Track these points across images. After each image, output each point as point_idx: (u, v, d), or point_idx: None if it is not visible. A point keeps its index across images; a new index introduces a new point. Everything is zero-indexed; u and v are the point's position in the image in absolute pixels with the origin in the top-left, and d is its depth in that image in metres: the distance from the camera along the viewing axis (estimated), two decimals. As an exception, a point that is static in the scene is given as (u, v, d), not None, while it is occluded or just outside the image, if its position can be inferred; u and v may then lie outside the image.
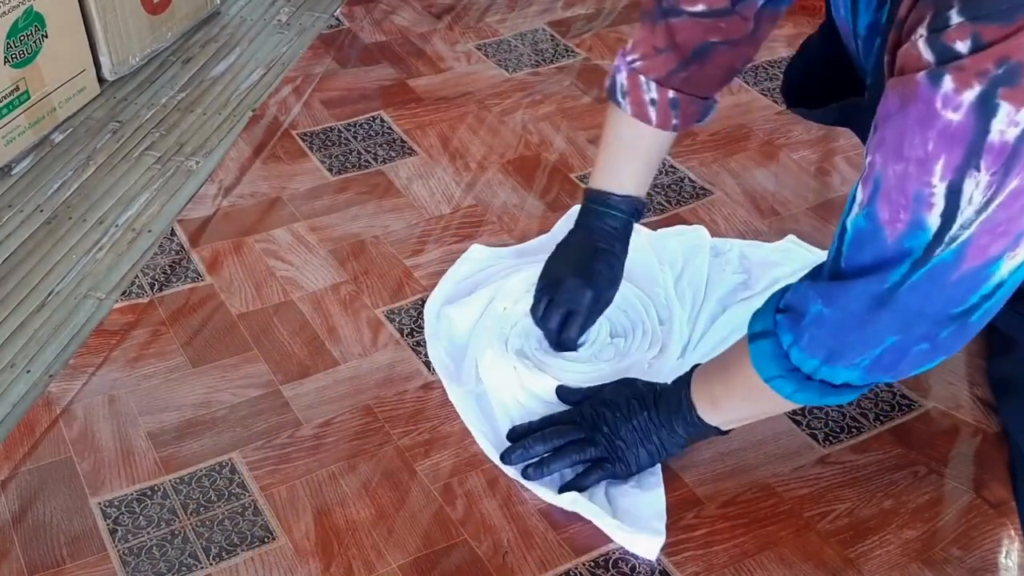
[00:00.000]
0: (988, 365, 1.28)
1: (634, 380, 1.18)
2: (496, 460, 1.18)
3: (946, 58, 0.72)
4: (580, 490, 1.13)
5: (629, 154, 1.27)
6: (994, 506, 1.16)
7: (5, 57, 1.64)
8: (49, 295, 1.45)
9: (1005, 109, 0.71)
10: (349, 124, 1.78)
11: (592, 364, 1.28)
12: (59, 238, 1.55)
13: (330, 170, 1.67)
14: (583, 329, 1.28)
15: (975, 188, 0.75)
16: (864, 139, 1.18)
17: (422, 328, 1.38)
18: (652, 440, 1.13)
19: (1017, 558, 1.12)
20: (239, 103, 1.85)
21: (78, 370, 1.32)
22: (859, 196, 0.85)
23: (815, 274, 0.94)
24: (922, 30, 0.74)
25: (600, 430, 1.14)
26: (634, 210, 1.29)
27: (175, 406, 1.27)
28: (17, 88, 1.68)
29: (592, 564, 1.11)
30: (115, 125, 1.80)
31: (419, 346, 1.36)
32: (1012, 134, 0.71)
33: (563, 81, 1.91)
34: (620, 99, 1.24)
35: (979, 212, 0.76)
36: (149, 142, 1.75)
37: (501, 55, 1.99)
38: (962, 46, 0.71)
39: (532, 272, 1.33)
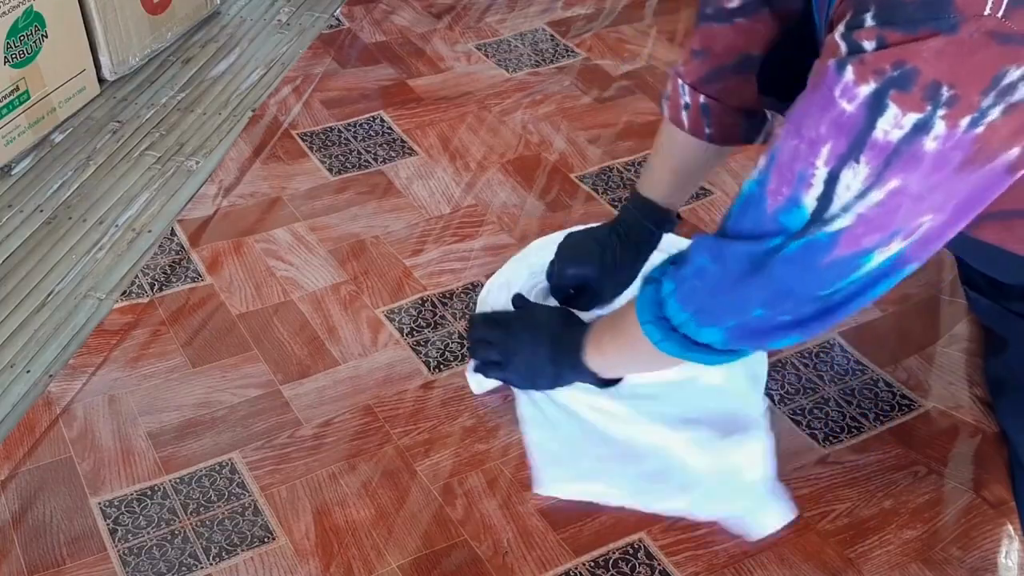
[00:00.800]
0: (984, 365, 1.28)
1: (563, 312, 1.26)
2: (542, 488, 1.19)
3: (853, 51, 0.76)
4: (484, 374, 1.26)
5: (663, 160, 1.26)
6: (994, 506, 1.16)
7: (5, 57, 1.64)
8: (49, 295, 1.45)
9: (893, 111, 0.74)
10: (349, 124, 1.78)
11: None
12: (59, 238, 1.55)
13: (330, 170, 1.67)
14: (592, 304, 1.32)
15: (852, 178, 0.78)
16: None
17: (422, 328, 1.38)
18: (547, 368, 1.20)
19: (1017, 558, 1.12)
20: (239, 103, 1.85)
21: (78, 370, 1.32)
22: (759, 162, 0.89)
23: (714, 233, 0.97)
24: (841, 26, 0.78)
25: (510, 345, 1.23)
26: (658, 219, 1.27)
27: (175, 406, 1.27)
28: (17, 88, 1.67)
29: (592, 564, 1.11)
30: (115, 125, 1.80)
31: (419, 346, 1.36)
32: (895, 135, 0.75)
33: (563, 81, 1.91)
34: (663, 102, 1.22)
35: (856, 200, 0.79)
36: (149, 142, 1.75)
37: (501, 55, 1.99)
38: (868, 44, 0.74)
39: None
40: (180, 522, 1.14)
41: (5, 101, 1.66)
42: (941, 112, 0.72)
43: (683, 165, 1.25)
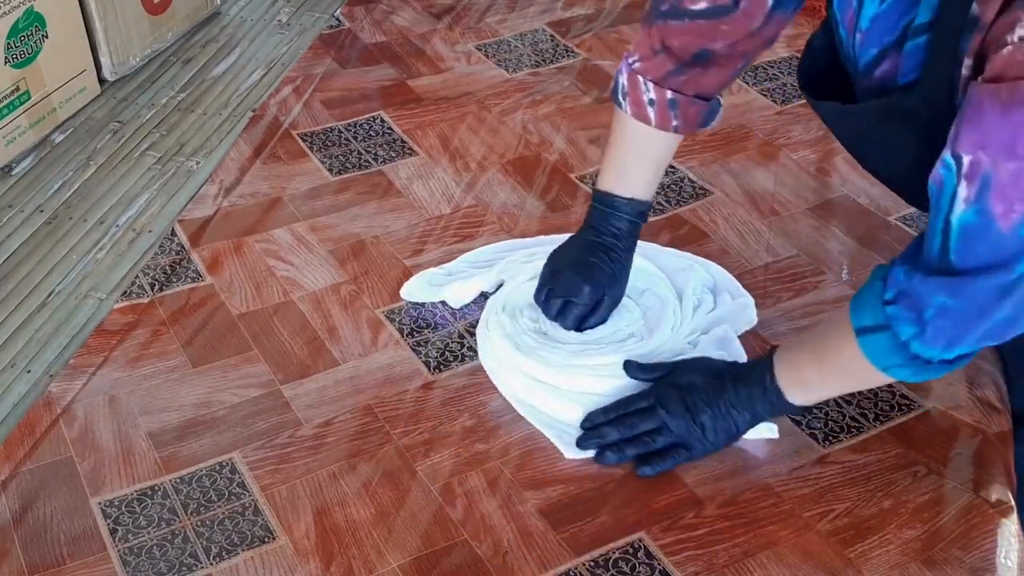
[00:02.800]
0: (1009, 391, 1.29)
1: (710, 360, 1.22)
2: (563, 449, 1.21)
3: None
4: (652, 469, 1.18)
5: (633, 156, 1.29)
6: (994, 506, 1.16)
7: (6, 57, 1.64)
8: (50, 295, 1.45)
9: None
10: (349, 124, 1.79)
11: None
12: (59, 238, 1.55)
13: (330, 170, 1.67)
14: (588, 321, 1.31)
15: None
16: (844, 141, 1.20)
17: (422, 328, 1.38)
18: (731, 423, 1.16)
19: (1017, 558, 1.12)
20: (239, 103, 1.85)
21: (78, 370, 1.32)
22: (963, 193, 0.88)
23: (920, 265, 0.97)
24: (1022, 30, 0.77)
25: (677, 415, 1.16)
26: (638, 212, 1.30)
27: (175, 406, 1.27)
28: (17, 88, 1.68)
29: (592, 564, 1.11)
30: (115, 125, 1.80)
31: (419, 346, 1.36)
32: None
33: (563, 81, 1.91)
34: (621, 100, 1.26)
35: None
36: (149, 142, 1.75)
37: (501, 55, 1.99)
38: None
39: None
40: (180, 522, 1.14)
41: (6, 101, 1.66)
42: None
43: (656, 158, 1.29)
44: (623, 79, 1.25)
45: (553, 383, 1.26)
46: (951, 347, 0.98)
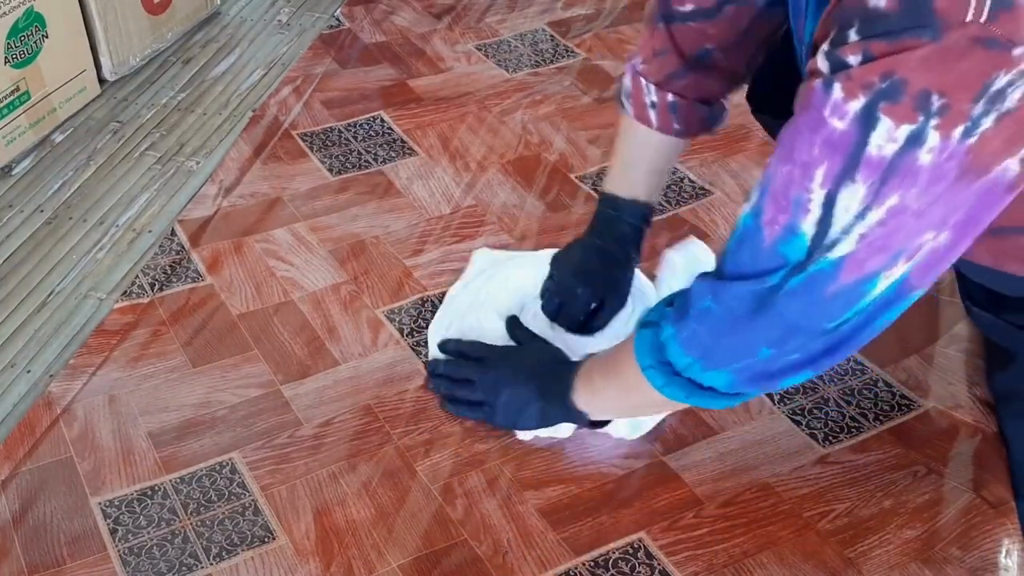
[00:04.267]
0: (989, 379, 1.28)
1: (551, 349, 1.24)
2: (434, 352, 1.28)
3: (838, 68, 0.75)
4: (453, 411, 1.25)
5: (635, 158, 1.28)
6: (994, 506, 1.16)
7: (5, 57, 1.64)
8: (50, 295, 1.45)
9: (885, 124, 0.73)
10: (349, 124, 1.79)
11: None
12: (59, 238, 1.55)
13: (330, 170, 1.67)
14: (589, 325, 1.31)
15: (851, 199, 0.77)
16: None
17: (422, 328, 1.38)
18: (532, 407, 1.18)
19: (1017, 558, 1.12)
20: (239, 103, 1.85)
21: (78, 370, 1.32)
22: (751, 195, 0.87)
23: (712, 272, 0.95)
24: (825, 45, 0.77)
25: (488, 382, 1.21)
26: (641, 215, 1.30)
27: (175, 406, 1.27)
28: (17, 88, 1.67)
29: (592, 564, 1.11)
30: (115, 125, 1.80)
31: (419, 346, 1.36)
32: (890, 149, 0.74)
33: (563, 81, 1.91)
34: (624, 101, 1.26)
35: (856, 221, 0.77)
36: (150, 142, 1.75)
37: (501, 55, 1.99)
38: (854, 59, 0.73)
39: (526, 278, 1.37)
40: (180, 522, 1.14)
41: (6, 101, 1.66)
42: (934, 122, 0.71)
43: (658, 161, 1.28)
44: (627, 81, 1.24)
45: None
46: (704, 362, 0.92)
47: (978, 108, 0.70)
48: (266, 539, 1.12)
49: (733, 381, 0.92)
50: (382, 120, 1.80)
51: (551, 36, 2.05)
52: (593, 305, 1.30)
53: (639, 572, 1.10)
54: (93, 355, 1.34)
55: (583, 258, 1.30)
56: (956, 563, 1.11)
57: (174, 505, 1.16)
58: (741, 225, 0.87)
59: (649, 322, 0.99)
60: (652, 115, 1.23)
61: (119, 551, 1.11)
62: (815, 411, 1.28)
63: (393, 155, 1.71)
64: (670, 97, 1.21)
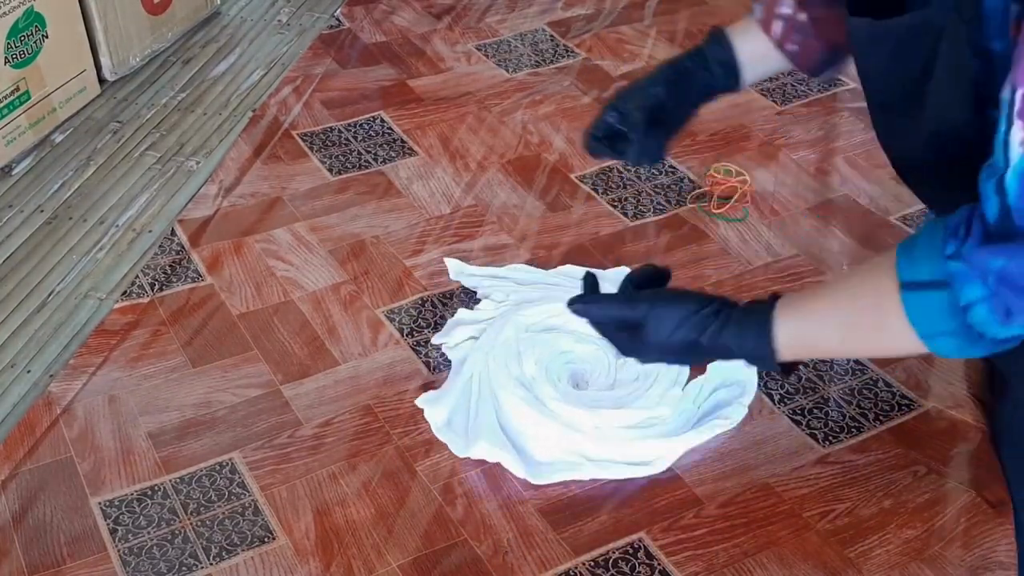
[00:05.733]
0: (990, 411, 1.25)
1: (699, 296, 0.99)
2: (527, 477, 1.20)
3: None
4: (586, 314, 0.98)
5: (743, 53, 1.16)
6: (993, 505, 1.16)
7: (5, 57, 1.64)
8: (50, 295, 1.45)
9: None
10: (349, 124, 1.79)
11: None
12: (59, 238, 1.55)
13: (330, 170, 1.67)
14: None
15: None
16: (871, 86, 1.06)
17: (422, 328, 1.38)
18: (693, 336, 0.95)
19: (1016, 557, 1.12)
20: (239, 103, 1.85)
21: (78, 370, 1.32)
22: (1019, 135, 0.77)
23: (974, 235, 0.84)
24: None
25: (646, 305, 0.98)
26: (729, 69, 1.16)
27: (175, 406, 1.27)
28: (17, 88, 1.67)
29: (592, 564, 1.11)
30: (115, 125, 1.80)
31: (419, 346, 1.36)
32: None
33: (563, 81, 1.91)
34: (758, 5, 1.15)
35: None
36: (149, 142, 1.75)
37: (501, 55, 1.99)
38: None
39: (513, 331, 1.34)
40: (180, 522, 1.14)
41: (6, 101, 1.66)
42: None
43: (762, 68, 1.17)
44: None
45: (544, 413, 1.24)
46: (1009, 320, 0.83)
47: None
48: (266, 539, 1.12)
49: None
50: (382, 120, 1.80)
51: (551, 36, 2.05)
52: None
53: (639, 572, 1.10)
54: (93, 355, 1.34)
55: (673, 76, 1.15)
56: (956, 561, 1.11)
57: (174, 505, 1.16)
58: (1017, 173, 0.78)
59: (931, 284, 0.86)
60: (778, 27, 1.12)
61: (119, 551, 1.11)
62: (815, 411, 1.28)
63: (393, 155, 1.71)
64: (802, 17, 1.11)
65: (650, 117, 1.13)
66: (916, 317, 0.87)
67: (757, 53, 1.17)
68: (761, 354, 0.93)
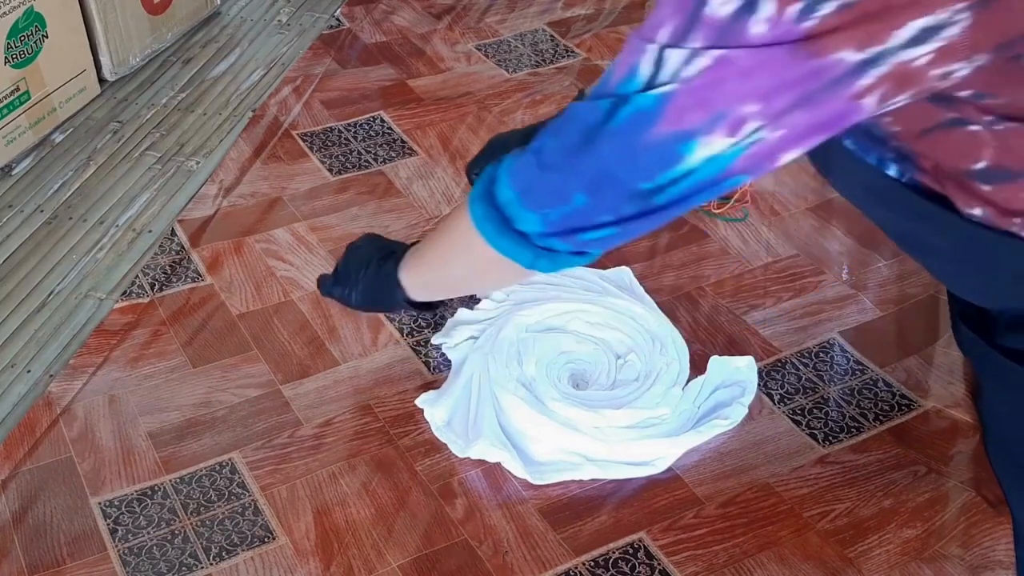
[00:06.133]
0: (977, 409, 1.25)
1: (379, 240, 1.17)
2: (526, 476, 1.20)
3: None
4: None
5: None
6: (993, 504, 1.16)
7: (5, 57, 1.64)
8: (49, 295, 1.45)
9: None
10: (349, 124, 1.79)
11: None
12: (59, 238, 1.55)
13: (330, 170, 1.67)
14: None
15: (683, 49, 0.74)
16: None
17: (422, 328, 1.38)
18: (367, 290, 1.11)
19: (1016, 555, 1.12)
20: (239, 103, 1.85)
21: (78, 370, 1.32)
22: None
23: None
24: None
25: (344, 266, 1.14)
26: None
27: (175, 406, 1.27)
28: (17, 88, 1.68)
29: (592, 564, 1.11)
30: (115, 125, 1.80)
31: (419, 346, 1.36)
32: (725, 10, 0.70)
33: (563, 81, 1.91)
34: None
35: (683, 65, 0.74)
36: (149, 142, 1.75)
37: (501, 55, 1.99)
38: None
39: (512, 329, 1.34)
40: (180, 522, 1.14)
41: (6, 101, 1.66)
42: None
43: None
44: None
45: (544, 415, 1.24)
46: (524, 200, 0.88)
47: None
48: (266, 539, 1.12)
49: (543, 228, 0.88)
50: (382, 120, 1.80)
51: (551, 36, 2.05)
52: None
53: (639, 572, 1.10)
54: (93, 355, 1.34)
55: (518, 133, 1.25)
56: (956, 561, 1.11)
57: (174, 505, 1.16)
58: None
59: (484, 191, 0.93)
60: None
61: (119, 551, 1.11)
62: (815, 411, 1.28)
63: (393, 155, 1.71)
64: None
65: None
66: (475, 186, 0.93)
67: None
68: (400, 305, 1.08)
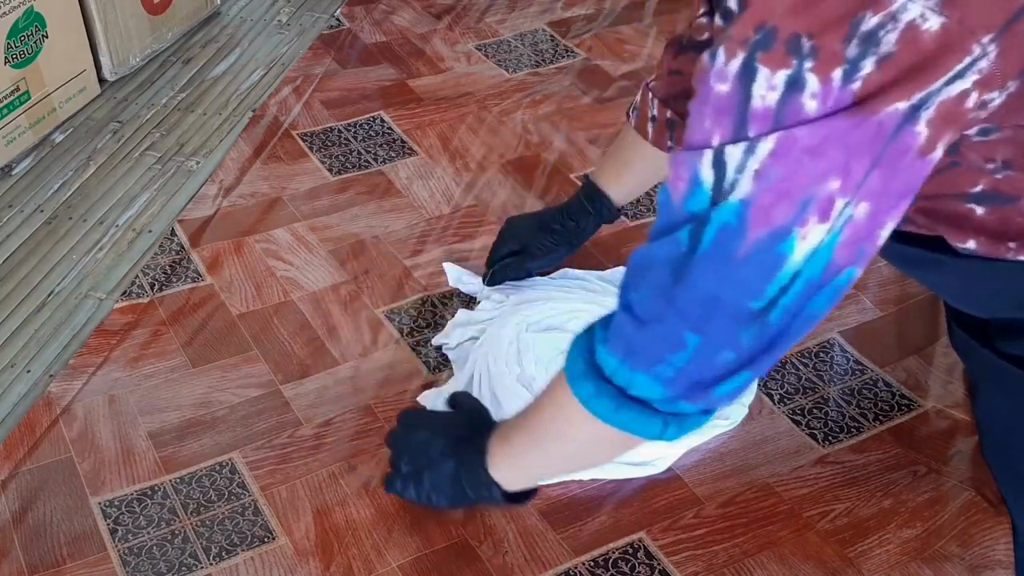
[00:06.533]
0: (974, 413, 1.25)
1: (474, 414, 1.14)
2: None
3: (724, 24, 0.72)
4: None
5: (624, 162, 1.34)
6: (993, 504, 1.16)
7: (5, 57, 1.64)
8: (49, 295, 1.45)
9: (763, 72, 0.69)
10: (349, 124, 1.79)
11: None
12: (59, 238, 1.55)
13: (330, 170, 1.67)
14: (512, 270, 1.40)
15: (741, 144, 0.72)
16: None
17: (422, 328, 1.38)
18: (449, 487, 1.07)
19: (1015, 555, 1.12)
20: (239, 103, 1.85)
21: (78, 370, 1.32)
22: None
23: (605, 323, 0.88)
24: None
25: (412, 464, 1.11)
26: (606, 210, 1.36)
27: (175, 406, 1.27)
28: (17, 88, 1.68)
29: (592, 564, 1.11)
30: (115, 125, 1.80)
31: (419, 346, 1.36)
32: (772, 98, 0.69)
33: (563, 81, 1.91)
34: (630, 111, 1.32)
35: (746, 156, 0.71)
36: (149, 142, 1.75)
37: (501, 55, 1.99)
38: (732, 4, 0.71)
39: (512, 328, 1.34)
40: (180, 522, 1.14)
41: (5, 101, 1.66)
42: (808, 64, 0.67)
43: (641, 170, 1.33)
44: (640, 92, 1.29)
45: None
46: (630, 362, 0.82)
47: (852, 50, 0.68)
48: (266, 539, 1.12)
49: (665, 392, 0.81)
50: (382, 120, 1.80)
51: (551, 36, 2.05)
52: (512, 249, 1.38)
53: (639, 572, 1.10)
54: (93, 355, 1.34)
55: (538, 225, 1.39)
56: (956, 560, 1.11)
57: (174, 505, 1.16)
58: (660, 199, 0.81)
59: (586, 328, 0.90)
60: (650, 128, 1.28)
61: (119, 551, 1.11)
62: (815, 411, 1.28)
63: (393, 155, 1.71)
64: (669, 114, 1.25)
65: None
66: (568, 362, 0.90)
67: (640, 166, 1.33)
68: (497, 501, 1.02)
